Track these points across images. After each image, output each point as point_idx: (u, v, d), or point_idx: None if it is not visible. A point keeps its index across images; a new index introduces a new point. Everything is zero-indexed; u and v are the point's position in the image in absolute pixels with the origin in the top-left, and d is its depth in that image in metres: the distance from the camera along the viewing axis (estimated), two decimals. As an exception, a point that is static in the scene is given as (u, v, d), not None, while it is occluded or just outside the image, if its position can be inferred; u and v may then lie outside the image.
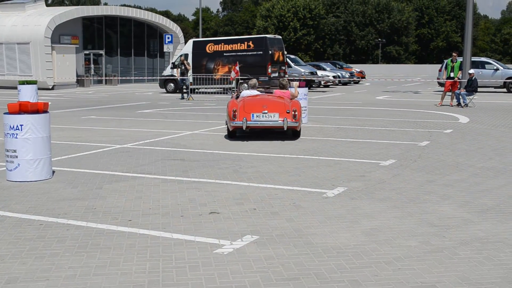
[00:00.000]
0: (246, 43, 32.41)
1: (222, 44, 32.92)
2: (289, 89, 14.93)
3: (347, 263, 5.16)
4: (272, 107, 13.22)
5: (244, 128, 12.96)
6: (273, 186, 8.26)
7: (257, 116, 13.03)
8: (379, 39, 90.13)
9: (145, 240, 5.81)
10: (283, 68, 32.57)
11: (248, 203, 7.32)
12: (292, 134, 13.64)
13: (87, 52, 43.16)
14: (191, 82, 29.19)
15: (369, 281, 4.76)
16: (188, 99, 27.47)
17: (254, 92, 14.45)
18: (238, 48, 32.23)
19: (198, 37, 63.42)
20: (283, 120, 12.87)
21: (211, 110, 21.35)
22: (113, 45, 45.91)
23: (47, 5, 51.50)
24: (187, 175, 9.11)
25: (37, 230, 6.15)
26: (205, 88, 31.93)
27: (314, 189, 8.11)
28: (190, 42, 34.49)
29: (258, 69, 31.16)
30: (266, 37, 32.71)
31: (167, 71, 34.91)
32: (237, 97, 14.45)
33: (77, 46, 41.22)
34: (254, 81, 14.91)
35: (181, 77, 28.78)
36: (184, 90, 28.47)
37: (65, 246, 5.63)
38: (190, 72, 29.64)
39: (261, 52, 31.53)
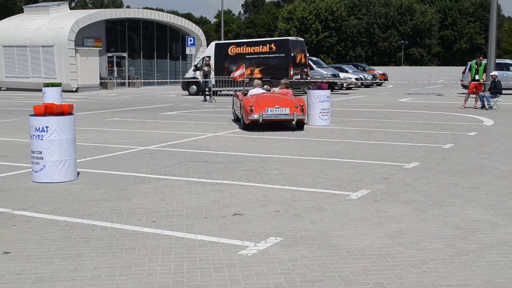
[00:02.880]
0: (268, 45, 32.43)
1: (244, 46, 32.98)
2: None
3: (371, 266, 5.15)
4: (283, 103, 15.33)
5: (260, 121, 14.98)
6: (296, 188, 8.26)
7: (271, 110, 15.10)
8: (402, 41, 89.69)
9: (169, 241, 5.84)
10: (305, 70, 32.54)
11: (271, 205, 7.33)
12: (296, 126, 15.65)
13: (110, 54, 43.47)
14: (213, 84, 29.27)
15: (394, 284, 4.74)
16: (211, 101, 27.55)
17: (260, 90, 16.59)
18: (260, 51, 32.26)
19: (220, 39, 63.58)
20: (293, 114, 15.02)
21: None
22: (135, 48, 46.20)
23: (71, 8, 51.96)
24: (210, 176, 9.14)
25: (63, 231, 6.21)
26: (227, 90, 31.99)
27: (337, 191, 8.09)
28: (212, 44, 34.61)
29: (280, 71, 31.17)
30: (288, 39, 32.71)
31: (190, 74, 35.03)
32: (245, 94, 16.47)
33: (101, 48, 41.54)
34: (258, 81, 17.37)
35: (204, 79, 28.86)
36: (207, 92, 28.56)
37: (90, 247, 5.67)
38: (212, 74, 29.71)
39: (283, 54, 31.53)
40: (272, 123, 15.64)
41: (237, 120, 17.56)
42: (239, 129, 15.61)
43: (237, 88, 31.65)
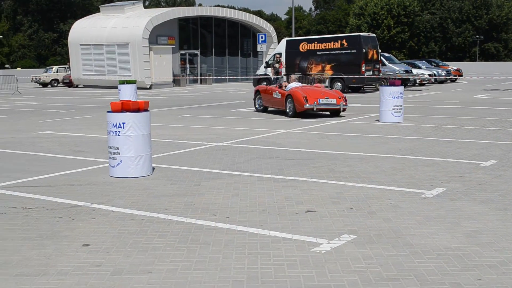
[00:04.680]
0: (339, 41, 32.20)
1: (316, 42, 32.85)
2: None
3: (448, 266, 5.04)
4: (329, 95, 18.28)
5: (314, 109, 17.58)
6: (369, 186, 8.18)
7: (322, 100, 17.74)
8: (477, 36, 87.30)
9: (243, 237, 5.89)
10: (377, 66, 32.13)
11: (344, 202, 7.28)
12: (335, 113, 18.28)
13: (183, 52, 44.12)
14: (284, 81, 29.28)
15: (471, 285, 4.63)
16: (278, 98, 27.57)
17: (298, 84, 19.05)
18: (332, 47, 32.07)
19: (290, 36, 63.52)
20: (340, 103, 17.92)
21: (305, 109, 21.30)
22: (207, 45, 46.72)
23: (145, 7, 53.01)
24: (282, 173, 9.16)
25: (139, 225, 6.35)
26: (298, 87, 31.93)
27: (411, 189, 7.96)
28: (284, 41, 34.63)
29: (351, 68, 30.92)
30: (360, 35, 32.38)
31: (261, 70, 35.17)
32: (280, 86, 19.10)
33: (174, 46, 42.21)
34: (294, 76, 20.24)
35: (275, 76, 28.91)
36: (278, 89, 28.58)
37: (166, 241, 5.78)
38: (283, 71, 29.73)
39: (355, 51, 31.24)
40: (311, 112, 18.01)
41: (263, 110, 20.10)
42: (311, 126, 15.57)
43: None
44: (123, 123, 8.80)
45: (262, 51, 42.23)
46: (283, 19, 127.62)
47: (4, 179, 8.91)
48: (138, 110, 8.96)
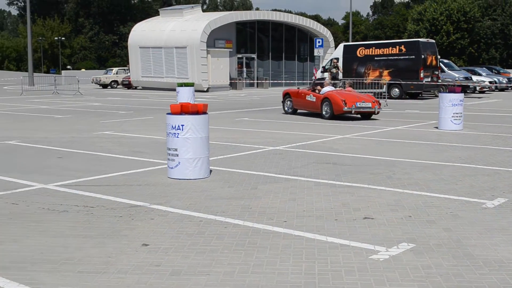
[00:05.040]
0: (398, 47, 31.84)
1: (373, 48, 32.58)
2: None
3: (511, 278, 4.92)
4: (364, 99, 19.29)
5: (352, 112, 18.81)
6: (428, 194, 8.05)
7: (359, 104, 18.85)
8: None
9: (300, 242, 5.88)
10: (436, 73, 31.64)
11: (403, 210, 7.19)
12: (367, 116, 19.50)
13: (240, 55, 44.38)
14: (341, 86, 29.11)
15: (536, 298, 4.51)
16: (338, 103, 27.41)
17: (332, 88, 20.38)
18: (390, 52, 31.74)
19: (347, 41, 63.17)
20: (374, 107, 19.02)
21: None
22: (264, 49, 46.87)
23: (203, 10, 53.55)
24: (339, 179, 9.11)
25: (197, 226, 6.41)
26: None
27: (472, 198, 7.80)
28: (341, 46, 34.47)
29: (409, 74, 30.53)
30: (419, 41, 31.94)
31: (318, 75, 35.05)
32: (313, 90, 20.32)
33: (231, 50, 42.50)
34: (328, 80, 22.26)
35: (332, 81, 28.75)
36: (334, 94, 28.42)
37: (223, 243, 5.82)
38: (340, 76, 29.57)
39: (413, 57, 30.83)
40: (344, 115, 19.29)
41: (292, 112, 21.20)
42: (368, 132, 15.44)
43: (365, 90, 31.42)
44: (182, 125, 8.90)
45: (319, 56, 42.07)
46: (340, 24, 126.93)
47: (66, 178, 9.13)
48: (197, 112, 9.05)
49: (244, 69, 44.91)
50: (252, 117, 20.19)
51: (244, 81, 43.70)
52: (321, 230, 6.28)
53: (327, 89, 19.88)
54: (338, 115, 18.94)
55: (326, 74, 31.78)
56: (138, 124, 17.72)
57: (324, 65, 34.78)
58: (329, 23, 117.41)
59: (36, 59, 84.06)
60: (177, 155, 8.95)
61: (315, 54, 39.91)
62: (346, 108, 18.50)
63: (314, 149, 12.29)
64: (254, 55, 45.69)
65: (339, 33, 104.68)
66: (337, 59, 32.06)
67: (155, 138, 14.11)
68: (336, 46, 42.91)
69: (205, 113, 9.20)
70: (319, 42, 38.99)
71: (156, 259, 5.34)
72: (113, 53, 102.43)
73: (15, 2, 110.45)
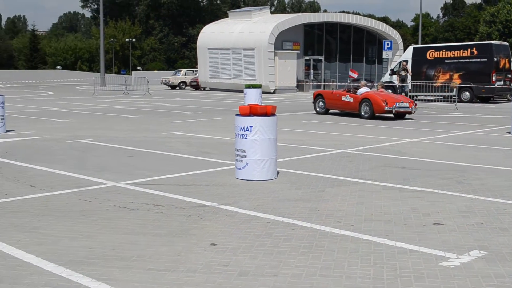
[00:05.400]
0: (469, 49, 31.15)
1: (444, 50, 31.96)
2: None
3: None
4: (402, 99, 20.74)
5: (393, 111, 19.95)
6: (501, 201, 7.83)
7: (398, 104, 19.99)
8: None
9: (368, 246, 5.82)
10: (509, 76, 30.79)
11: (474, 216, 7.02)
12: (399, 116, 20.67)
13: (307, 58, 44.31)
14: (410, 89, 28.68)
15: None
16: (406, 106, 27.00)
17: (367, 89, 21.23)
18: (461, 55, 31.08)
19: (417, 43, 62.10)
20: (411, 107, 20.27)
21: (431, 118, 20.81)
22: (332, 51, 46.63)
23: (271, 12, 53.72)
24: (408, 183, 8.97)
25: (264, 228, 6.44)
26: (424, 95, 31.19)
27: (547, 206, 7.55)
28: (410, 48, 33.98)
29: (481, 77, 29.83)
30: (491, 43, 31.18)
31: (386, 78, 34.67)
32: (349, 91, 21.55)
33: (298, 52, 42.49)
34: (364, 81, 23.01)
35: (401, 84, 28.37)
36: (403, 97, 28.00)
37: (291, 245, 5.82)
38: (409, 79, 29.13)
39: (485, 59, 30.10)
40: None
41: (324, 113, 22.13)
42: (437, 136, 15.16)
43: (434, 94, 30.83)
44: (251, 126, 8.96)
45: (387, 58, 41.56)
46: (409, 26, 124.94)
47: (136, 176, 9.33)
48: (265, 114, 9.09)
49: (311, 71, 44.79)
50: (319, 119, 20.13)
51: (311, 83, 43.59)
52: (389, 235, 6.20)
53: (363, 90, 20.90)
54: (377, 115, 20.12)
55: (395, 77, 31.38)
56: (206, 125, 17.93)
57: (392, 67, 34.32)
58: (398, 25, 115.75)
59: (107, 60, 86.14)
60: (245, 156, 9.01)
61: (384, 56, 39.46)
62: (387, 108, 19.60)
63: (382, 153, 12.15)
64: (322, 57, 45.52)
65: (408, 35, 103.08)
66: (406, 61, 31.53)
67: (222, 139, 14.24)
68: (405, 49, 42.30)
69: (273, 114, 9.23)
70: (387, 44, 38.52)
71: (224, 259, 5.38)
72: (181, 55, 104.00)
73: (88, 5, 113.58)
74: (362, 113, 20.39)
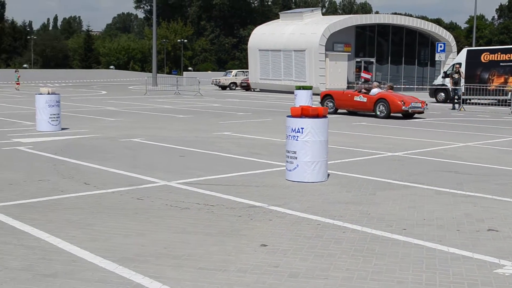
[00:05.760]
0: (525, 52, 30.41)
1: (499, 53, 31.30)
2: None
3: None
4: (415, 100, 21.72)
5: (409, 111, 20.98)
6: (558, 208, 7.63)
7: (413, 104, 21.14)
8: None
9: (420, 251, 5.74)
10: None
11: (530, 223, 6.86)
12: (410, 116, 21.79)
13: (358, 59, 44.01)
14: (463, 92, 28.19)
15: None
16: (460, 109, 26.58)
17: (379, 90, 22.10)
18: (517, 58, 30.38)
19: (471, 45, 61.05)
20: (424, 107, 21.52)
21: (485, 122, 20.42)
22: (383, 53, 46.20)
23: (323, 14, 53.54)
24: (461, 188, 8.82)
25: (315, 230, 6.42)
26: (478, 99, 30.61)
27: None
28: (464, 51, 33.37)
29: None
30: (549, 46, 30.35)
31: (438, 80, 34.16)
32: (360, 91, 22.31)
33: (349, 53, 42.23)
34: (376, 83, 23.84)
35: (453, 87, 27.91)
36: (456, 101, 27.58)
37: (341, 248, 5.79)
38: (462, 82, 28.63)
39: None
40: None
41: (333, 112, 22.56)
42: (491, 140, 14.85)
43: (488, 97, 30.21)
44: (302, 128, 8.94)
45: (440, 61, 40.92)
46: (462, 28, 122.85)
47: (188, 176, 9.42)
48: (317, 116, 9.06)
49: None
50: (369, 121, 19.97)
51: (361, 85, 43.25)
52: (442, 240, 6.10)
53: (376, 90, 21.85)
54: (391, 114, 21.21)
55: (447, 80, 30.89)
56: (256, 126, 17.98)
57: (445, 70, 33.78)
58: (451, 27, 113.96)
59: (159, 60, 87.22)
60: (296, 158, 9.00)
61: (437, 59, 38.86)
62: (404, 107, 20.77)
63: (435, 156, 11.97)
64: (373, 59, 45.14)
65: (462, 37, 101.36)
66: (460, 64, 30.99)
67: (272, 140, 14.25)
68: (458, 51, 41.60)
69: (325, 116, 9.20)
70: (440, 46, 37.92)
71: (274, 260, 5.39)
72: (232, 56, 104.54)
73: (142, 6, 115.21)
74: (378, 112, 21.31)
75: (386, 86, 23.72)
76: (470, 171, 10.31)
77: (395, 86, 44.07)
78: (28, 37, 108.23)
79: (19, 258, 5.35)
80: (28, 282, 4.77)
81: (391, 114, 21.21)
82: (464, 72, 30.61)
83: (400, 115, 21.59)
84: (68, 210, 7.16)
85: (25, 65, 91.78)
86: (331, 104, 23.09)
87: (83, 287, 4.68)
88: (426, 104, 21.94)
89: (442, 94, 32.76)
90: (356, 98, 21.92)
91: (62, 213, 6.98)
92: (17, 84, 44.10)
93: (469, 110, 26.65)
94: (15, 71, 46.55)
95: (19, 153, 11.85)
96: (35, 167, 10.19)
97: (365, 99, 21.75)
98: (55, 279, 4.83)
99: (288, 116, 9.23)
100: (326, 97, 23.52)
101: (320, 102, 23.47)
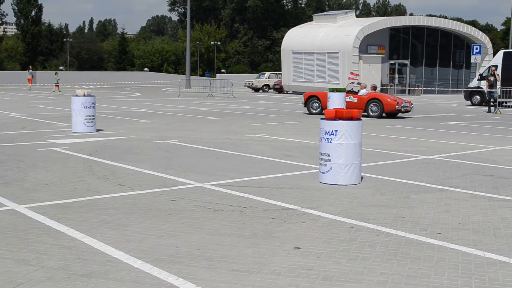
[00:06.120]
0: None
1: (538, 55, 30.78)
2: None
3: None
4: (403, 100, 22.70)
5: (402, 110, 22.05)
6: None
7: (404, 103, 22.23)
8: None
9: (455, 255, 5.67)
10: None
11: None
12: (394, 115, 22.87)
13: (392, 62, 43.69)
14: (499, 95, 27.79)
15: None
16: (495, 112, 26.20)
17: (368, 91, 22.87)
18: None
19: (507, 47, 60.12)
20: (411, 106, 22.62)
21: (522, 126, 20.08)
22: (418, 55, 45.79)
23: (356, 16, 53.29)
24: (498, 192, 8.69)
25: (348, 233, 6.39)
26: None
27: None
28: (500, 53, 32.91)
29: None
30: None
31: (474, 83, 33.72)
32: (349, 92, 22.49)
33: (383, 56, 41.95)
34: (364, 84, 23.92)
35: (489, 90, 27.52)
36: (492, 103, 27.20)
37: (375, 252, 5.75)
38: (498, 85, 28.21)
39: None
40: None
41: (319, 113, 23.11)
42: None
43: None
44: (336, 130, 8.91)
45: (476, 63, 40.43)
46: (498, 30, 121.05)
47: (221, 178, 9.45)
48: (351, 118, 9.02)
49: (396, 75, 44.13)
50: (403, 124, 19.80)
51: (395, 88, 42.94)
52: (478, 245, 6.02)
53: (365, 91, 22.78)
54: (385, 114, 22.21)
55: (483, 82, 30.49)
56: (288, 128, 17.96)
57: (481, 72, 33.34)
58: (487, 29, 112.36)
59: (192, 63, 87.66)
60: (329, 160, 8.97)
61: (472, 61, 38.43)
62: (398, 106, 21.88)
63: (470, 160, 11.82)
64: (407, 61, 44.78)
65: (498, 39, 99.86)
66: (496, 66, 30.55)
67: (305, 142, 14.22)
68: (494, 53, 41.02)
69: (359, 119, 9.15)
70: (476, 48, 37.47)
71: (308, 263, 5.37)
72: (265, 58, 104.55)
73: (176, 8, 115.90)
74: (370, 112, 22.27)
75: (370, 86, 24.11)
76: (507, 175, 10.16)
77: (429, 88, 43.80)
78: (64, 39, 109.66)
79: (55, 257, 5.42)
80: (63, 281, 4.83)
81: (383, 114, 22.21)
82: (500, 75, 30.17)
83: (384, 114, 22.44)
84: (103, 210, 7.24)
85: (61, 67, 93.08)
86: (317, 104, 23.80)
87: (117, 287, 4.73)
88: (412, 104, 22.97)
89: (478, 96, 32.33)
90: (346, 99, 21.51)
91: (97, 214, 7.06)
92: (56, 86, 44.27)
93: (505, 113, 26.25)
94: (55, 73, 46.74)
95: (55, 154, 12.02)
96: (71, 168, 10.33)
97: (355, 100, 22.42)
98: (90, 279, 4.88)
99: (322, 119, 9.20)
100: (311, 98, 24.07)
101: (304, 103, 24.18)
